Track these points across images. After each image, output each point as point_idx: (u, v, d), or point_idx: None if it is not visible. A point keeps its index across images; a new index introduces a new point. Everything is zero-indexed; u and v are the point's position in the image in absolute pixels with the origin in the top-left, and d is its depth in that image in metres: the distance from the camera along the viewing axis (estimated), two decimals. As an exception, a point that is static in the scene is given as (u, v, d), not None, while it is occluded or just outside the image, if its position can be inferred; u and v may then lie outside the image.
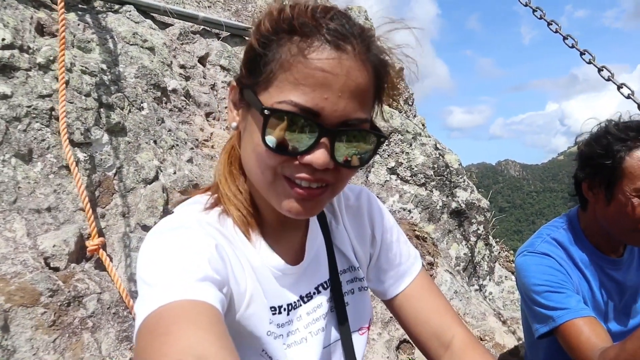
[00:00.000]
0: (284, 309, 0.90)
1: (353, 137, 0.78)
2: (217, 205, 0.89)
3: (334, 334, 0.99)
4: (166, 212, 2.25)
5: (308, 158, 0.75)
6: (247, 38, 0.83)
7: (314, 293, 0.96)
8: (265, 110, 0.73)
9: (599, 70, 2.22)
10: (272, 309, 0.88)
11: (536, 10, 2.63)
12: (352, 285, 1.04)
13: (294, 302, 0.92)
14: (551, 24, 2.53)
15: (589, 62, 2.27)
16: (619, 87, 2.16)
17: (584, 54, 2.31)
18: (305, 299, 0.94)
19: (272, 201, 0.82)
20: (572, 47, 2.34)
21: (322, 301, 0.96)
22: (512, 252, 4.77)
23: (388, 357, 2.55)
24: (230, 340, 0.66)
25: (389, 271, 1.10)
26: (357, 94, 0.75)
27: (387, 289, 1.10)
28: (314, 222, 0.99)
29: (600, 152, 1.65)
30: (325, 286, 0.98)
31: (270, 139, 0.74)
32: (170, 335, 0.62)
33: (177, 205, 0.92)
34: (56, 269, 1.78)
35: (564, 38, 2.44)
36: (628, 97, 2.12)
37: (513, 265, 4.31)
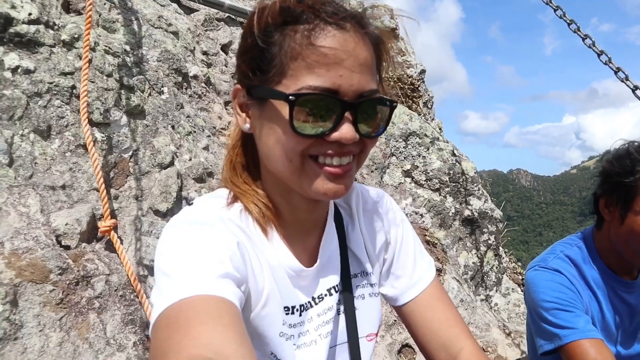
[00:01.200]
0: (297, 310, 0.90)
1: (371, 108, 0.81)
2: (238, 201, 0.88)
3: (341, 337, 0.98)
4: (179, 198, 2.25)
5: (336, 135, 0.77)
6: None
7: (325, 295, 0.95)
8: (291, 97, 0.74)
9: (634, 90, 2.17)
10: (286, 309, 0.88)
11: (557, 10, 2.58)
12: (363, 290, 1.03)
13: (306, 303, 0.92)
14: (571, 24, 2.48)
15: (623, 80, 2.22)
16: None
17: (618, 71, 2.26)
18: (317, 300, 0.94)
19: (304, 187, 0.82)
20: (606, 63, 2.29)
21: (332, 304, 0.96)
22: (519, 264, 4.73)
23: (389, 360, 2.53)
24: (248, 338, 0.66)
25: (402, 278, 1.08)
26: (365, 67, 0.79)
27: (399, 296, 1.09)
28: (330, 224, 0.98)
29: (619, 171, 1.63)
30: (337, 289, 0.97)
31: (298, 124, 0.76)
32: (191, 329, 0.62)
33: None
34: (67, 248, 1.78)
35: (583, 39, 2.38)
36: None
37: (520, 277, 4.27)
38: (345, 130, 0.77)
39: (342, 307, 0.98)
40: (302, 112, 0.75)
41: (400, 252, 1.09)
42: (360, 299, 1.02)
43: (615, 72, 2.26)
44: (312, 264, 0.93)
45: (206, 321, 0.63)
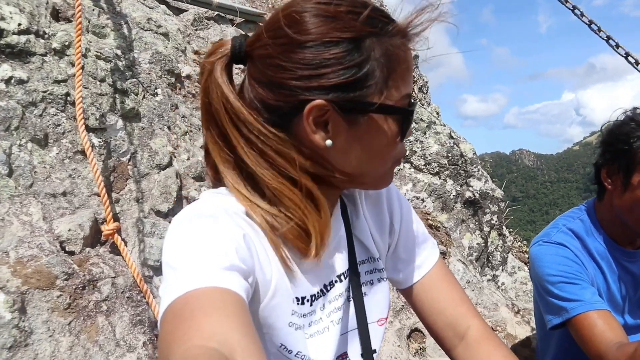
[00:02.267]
0: (307, 300, 0.90)
1: None
2: (243, 200, 0.88)
3: (351, 324, 0.99)
4: (180, 198, 2.26)
5: (408, 134, 0.87)
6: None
7: (336, 281, 0.96)
8: (409, 108, 0.82)
9: (626, 57, 2.16)
10: (297, 299, 0.88)
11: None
12: (371, 276, 1.04)
13: (317, 292, 0.92)
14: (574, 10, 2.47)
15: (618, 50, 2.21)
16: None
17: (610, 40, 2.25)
18: (329, 288, 0.94)
19: (383, 184, 0.92)
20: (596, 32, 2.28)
21: (342, 290, 0.96)
22: (525, 242, 4.73)
23: (399, 345, 2.55)
24: (254, 328, 0.67)
25: (407, 260, 1.09)
26: None
27: (404, 279, 1.10)
28: (337, 212, 0.98)
29: (620, 138, 1.62)
30: (346, 275, 0.98)
31: (405, 134, 0.86)
32: (196, 320, 0.62)
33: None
34: (71, 253, 1.80)
35: (580, 17, 2.37)
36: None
37: (526, 256, 4.27)
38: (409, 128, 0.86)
39: (350, 294, 0.99)
40: (408, 122, 0.84)
41: (404, 235, 1.10)
42: (369, 285, 1.03)
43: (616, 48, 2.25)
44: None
45: (210, 312, 0.63)
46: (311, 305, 0.90)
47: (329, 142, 0.79)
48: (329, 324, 0.93)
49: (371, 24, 0.76)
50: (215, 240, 0.74)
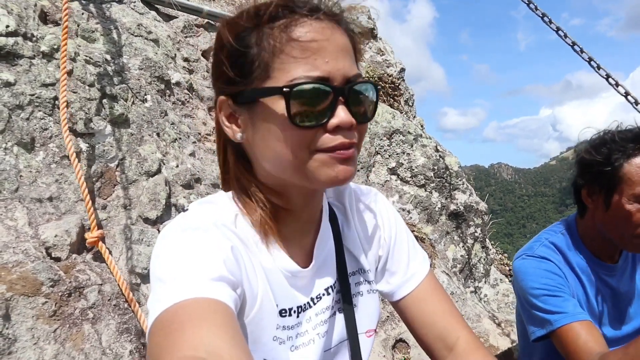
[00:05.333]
0: (294, 311, 0.90)
1: (359, 92, 0.82)
2: (233, 205, 0.89)
3: (340, 336, 0.99)
4: (168, 205, 2.24)
5: (334, 121, 0.78)
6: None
7: (323, 294, 0.96)
8: (285, 89, 0.75)
9: (607, 77, 2.23)
10: (282, 312, 0.88)
11: (529, 4, 2.63)
12: (361, 287, 1.04)
13: (304, 304, 0.92)
14: (544, 17, 2.54)
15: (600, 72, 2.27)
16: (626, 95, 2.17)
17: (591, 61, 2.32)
18: (315, 301, 0.94)
19: (312, 178, 0.80)
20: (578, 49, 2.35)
21: (329, 303, 0.96)
22: (505, 255, 4.80)
23: (384, 355, 2.56)
24: (243, 338, 0.67)
25: (397, 273, 1.10)
26: (346, 52, 0.81)
27: (395, 291, 1.10)
28: (325, 224, 0.98)
29: (599, 160, 1.67)
30: (334, 288, 0.98)
31: (296, 116, 0.76)
32: (184, 331, 0.62)
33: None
34: (57, 259, 1.76)
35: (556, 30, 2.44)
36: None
37: (507, 268, 4.33)
38: (343, 114, 0.78)
39: (340, 306, 0.99)
40: (297, 104, 0.75)
41: (395, 248, 1.10)
42: (359, 296, 1.03)
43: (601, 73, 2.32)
44: (309, 264, 0.93)
45: (199, 323, 0.63)
46: (297, 316, 0.90)
47: (239, 135, 0.85)
48: (314, 337, 0.93)
49: (251, 19, 0.80)
50: (203, 252, 0.75)
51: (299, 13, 0.78)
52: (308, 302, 0.92)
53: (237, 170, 0.91)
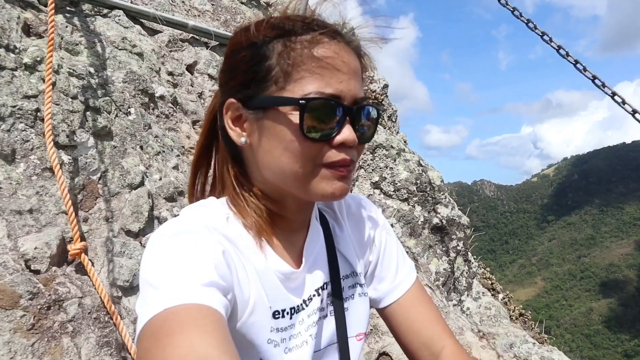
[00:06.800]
0: (287, 313, 0.90)
1: (364, 113, 0.87)
2: (225, 208, 0.89)
3: (330, 338, 0.99)
4: (151, 218, 2.23)
5: (339, 138, 0.82)
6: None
7: (314, 295, 0.96)
8: (302, 101, 0.79)
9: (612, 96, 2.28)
10: (276, 313, 0.88)
11: (514, 11, 2.69)
12: (353, 290, 1.05)
13: (297, 305, 0.92)
14: (528, 23, 2.60)
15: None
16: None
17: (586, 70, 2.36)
18: (307, 302, 0.95)
19: (311, 191, 0.84)
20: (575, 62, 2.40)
21: (321, 304, 0.97)
22: (487, 269, 4.85)
23: (368, 369, 2.55)
24: (233, 344, 0.66)
25: (385, 280, 1.11)
26: (357, 75, 0.86)
27: (382, 298, 1.11)
28: (314, 225, 1.00)
29: None
30: (324, 288, 0.98)
31: (307, 129, 0.80)
32: (174, 337, 0.62)
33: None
34: (37, 272, 1.74)
35: (541, 36, 2.48)
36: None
37: (489, 282, 4.37)
38: (348, 133, 0.82)
39: (332, 308, 0.99)
40: (310, 117, 0.79)
41: (384, 254, 1.11)
42: (350, 299, 1.04)
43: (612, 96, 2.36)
44: (300, 266, 0.94)
45: (189, 329, 0.63)
46: (290, 318, 0.91)
47: (242, 138, 0.87)
48: (307, 338, 0.93)
49: (275, 28, 0.84)
50: (194, 257, 0.75)
51: (317, 32, 0.83)
52: (301, 304, 0.93)
53: (232, 174, 0.92)
